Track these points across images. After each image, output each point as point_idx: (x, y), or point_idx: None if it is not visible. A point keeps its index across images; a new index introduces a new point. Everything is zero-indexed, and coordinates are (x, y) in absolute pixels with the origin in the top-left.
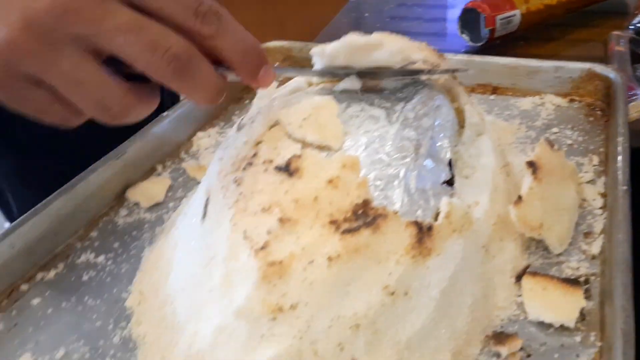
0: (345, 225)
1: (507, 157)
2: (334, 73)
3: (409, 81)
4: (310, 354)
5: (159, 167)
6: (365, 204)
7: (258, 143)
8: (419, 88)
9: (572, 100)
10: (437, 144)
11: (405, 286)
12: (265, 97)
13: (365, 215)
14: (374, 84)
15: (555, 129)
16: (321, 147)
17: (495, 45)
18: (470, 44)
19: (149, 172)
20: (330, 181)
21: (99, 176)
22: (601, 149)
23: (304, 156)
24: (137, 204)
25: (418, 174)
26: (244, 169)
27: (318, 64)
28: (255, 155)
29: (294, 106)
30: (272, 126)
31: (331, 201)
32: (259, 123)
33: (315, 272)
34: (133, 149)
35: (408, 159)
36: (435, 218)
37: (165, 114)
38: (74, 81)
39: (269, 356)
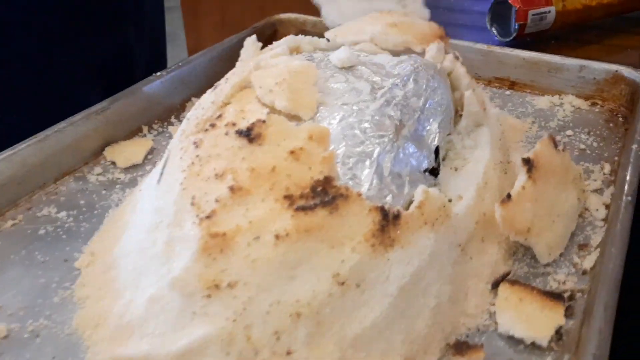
0: (301, 202)
1: (511, 155)
2: None
3: (406, 58)
4: (242, 339)
5: (145, 129)
6: (327, 181)
7: (226, 104)
8: (415, 66)
9: (593, 104)
10: (426, 128)
11: (359, 277)
12: (248, 60)
13: (324, 194)
14: (368, 59)
15: (569, 132)
16: (290, 116)
17: (525, 43)
18: (499, 38)
19: (133, 132)
20: (292, 152)
21: (76, 130)
22: (616, 158)
23: (268, 122)
24: (113, 163)
25: (395, 156)
26: (206, 130)
27: None
28: (219, 117)
29: (269, 69)
30: (244, 88)
31: (290, 174)
32: (230, 84)
33: (260, 249)
34: (117, 106)
35: (385, 139)
36: (408, 207)
37: (158, 74)
38: None
39: (198, 336)
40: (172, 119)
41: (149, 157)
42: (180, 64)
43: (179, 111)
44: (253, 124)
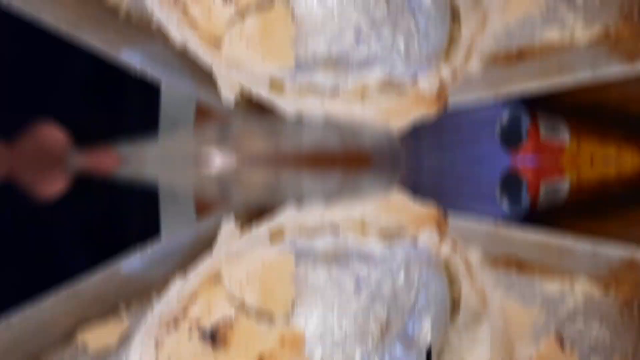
0: None
1: (515, 348)
2: None
3: (398, 246)
4: None
5: (122, 307)
6: None
7: (194, 297)
8: (407, 256)
9: (607, 290)
10: (416, 326)
11: None
12: (224, 246)
13: None
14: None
15: (579, 324)
16: (260, 315)
17: (537, 215)
18: (509, 211)
19: (109, 310)
20: (261, 359)
21: (43, 312)
22: (629, 353)
23: (236, 322)
24: (85, 346)
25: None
26: (169, 328)
27: None
28: (185, 311)
29: (242, 260)
30: (214, 279)
31: None
32: (199, 275)
33: None
34: (90, 285)
35: (369, 341)
36: None
37: (139, 251)
38: None
39: None
40: (153, 298)
41: (124, 339)
42: (162, 240)
43: (160, 289)
44: (218, 324)
